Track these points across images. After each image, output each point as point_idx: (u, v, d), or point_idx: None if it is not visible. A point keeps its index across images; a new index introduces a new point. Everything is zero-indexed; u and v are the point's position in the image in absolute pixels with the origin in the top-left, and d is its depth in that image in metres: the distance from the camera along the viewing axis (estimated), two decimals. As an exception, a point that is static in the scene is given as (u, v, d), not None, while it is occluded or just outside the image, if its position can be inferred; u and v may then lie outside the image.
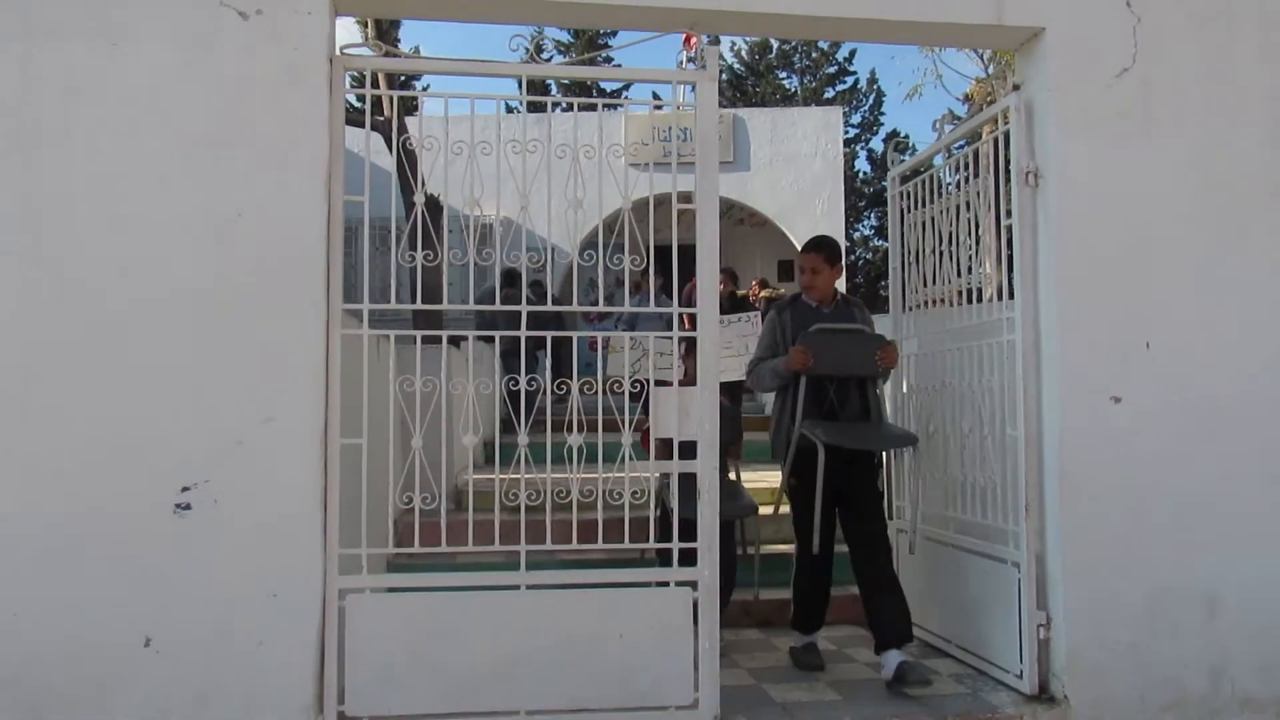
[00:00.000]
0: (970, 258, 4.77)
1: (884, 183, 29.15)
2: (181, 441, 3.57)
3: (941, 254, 5.02)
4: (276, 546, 3.59)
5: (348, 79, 3.86)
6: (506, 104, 5.39)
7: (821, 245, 4.90)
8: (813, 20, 4.15)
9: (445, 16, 4.17)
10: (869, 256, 28.71)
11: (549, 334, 3.88)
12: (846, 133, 26.16)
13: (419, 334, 3.84)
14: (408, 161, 5.62)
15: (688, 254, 3.97)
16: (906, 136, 29.76)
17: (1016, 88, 4.40)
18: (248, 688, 3.57)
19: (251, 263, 3.62)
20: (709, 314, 3.93)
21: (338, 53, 3.82)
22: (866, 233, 29.54)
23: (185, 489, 3.56)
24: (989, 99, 5.68)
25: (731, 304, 8.58)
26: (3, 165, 3.55)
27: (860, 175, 29.23)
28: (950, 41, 5.50)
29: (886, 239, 22.60)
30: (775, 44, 29.83)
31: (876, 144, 30.25)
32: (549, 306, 4.09)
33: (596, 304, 4.52)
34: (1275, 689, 4.25)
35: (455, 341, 4.27)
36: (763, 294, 11.02)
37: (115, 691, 3.51)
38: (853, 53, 29.63)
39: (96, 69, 3.62)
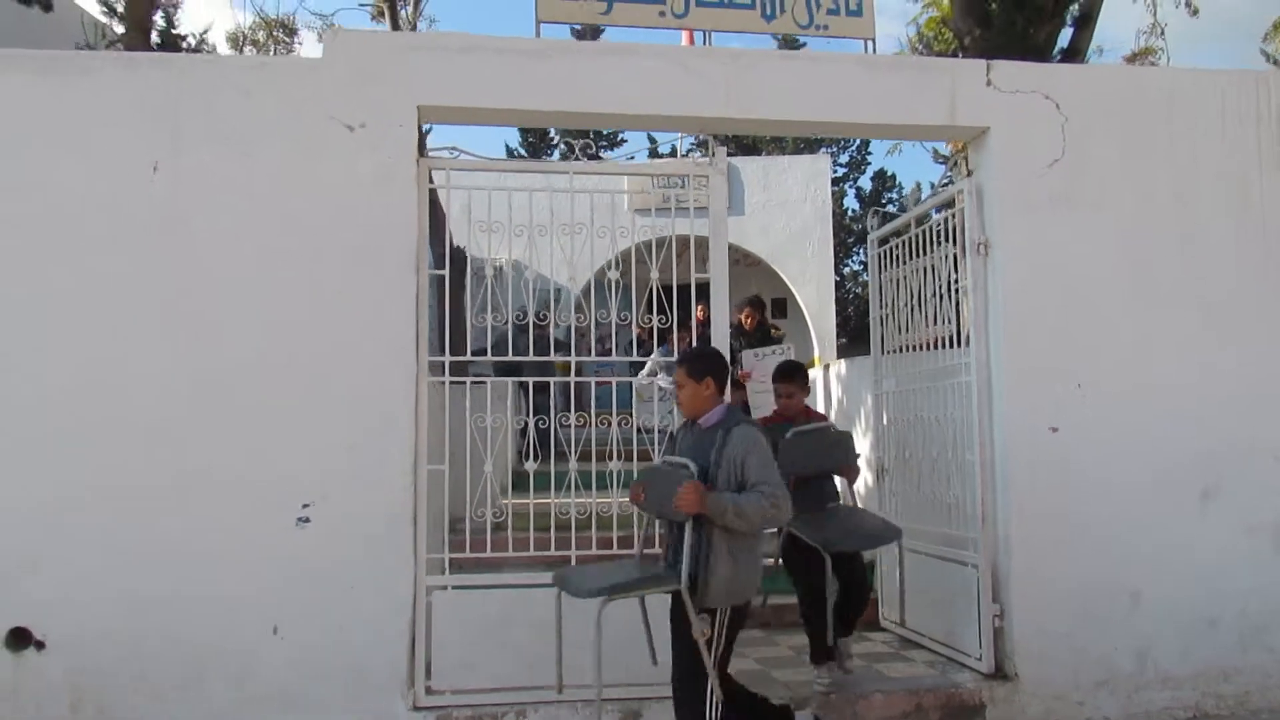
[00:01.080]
0: (935, 311, 5.70)
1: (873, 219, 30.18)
2: (301, 469, 4.46)
3: (913, 307, 5.95)
4: (378, 552, 4.48)
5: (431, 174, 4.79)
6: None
7: (795, 374, 5.36)
8: (800, 124, 5.12)
9: (513, 124, 5.11)
10: (858, 291, 29.67)
11: (592, 379, 4.80)
12: (835, 171, 27.20)
13: (488, 379, 4.75)
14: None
15: (685, 293, 4.90)
16: (893, 175, 30.84)
17: (969, 174, 5.36)
18: (355, 668, 4.44)
19: (358, 326, 4.53)
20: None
21: (423, 154, 4.75)
22: (856, 268, 30.52)
23: (305, 505, 4.46)
24: (961, 153, 6.61)
25: (761, 335, 8.31)
26: (158, 247, 4.47)
27: (849, 213, 30.25)
28: (914, 137, 6.42)
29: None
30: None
31: (865, 182, 31.32)
32: (576, 357, 5.01)
33: (601, 340, 5.33)
34: (1191, 668, 5.14)
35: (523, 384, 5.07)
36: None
37: (250, 670, 4.39)
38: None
39: (230, 173, 4.54)
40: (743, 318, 8.26)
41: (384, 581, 4.47)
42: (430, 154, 4.79)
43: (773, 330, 9.57)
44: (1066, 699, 5.00)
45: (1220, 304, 5.23)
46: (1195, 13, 10.12)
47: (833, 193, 18.87)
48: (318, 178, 4.58)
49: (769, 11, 5.01)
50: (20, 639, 4.32)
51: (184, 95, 4.52)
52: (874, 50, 5.24)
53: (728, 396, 4.11)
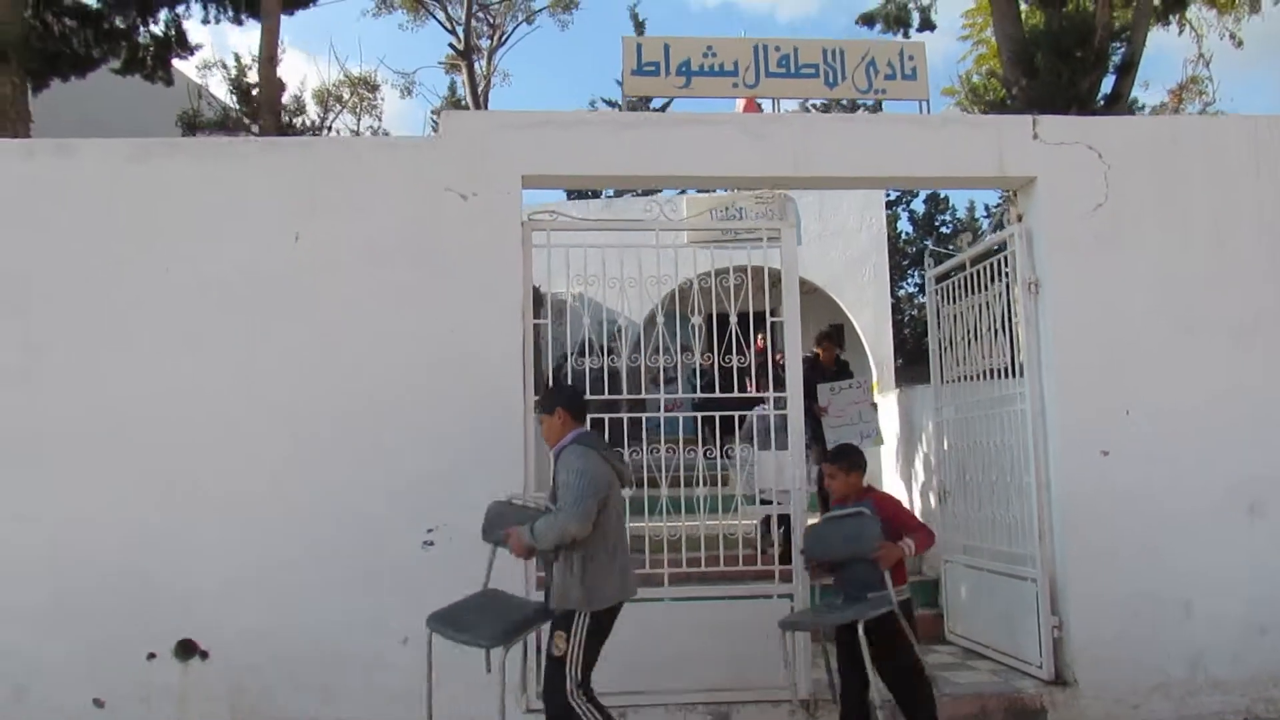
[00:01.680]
0: (991, 344, 6.16)
1: (926, 240, 30.39)
2: (426, 497, 5.06)
3: (969, 340, 6.42)
4: (492, 572, 5.04)
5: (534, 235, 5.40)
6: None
7: (838, 457, 5.07)
8: (861, 179, 5.65)
9: (605, 186, 5.70)
10: (914, 313, 29.94)
11: (680, 413, 5.34)
12: (889, 195, 27.57)
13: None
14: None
15: (743, 322, 5.42)
16: (945, 197, 30.99)
17: (1019, 219, 5.83)
18: (473, 672, 4.97)
19: (473, 366, 5.13)
20: (796, 403, 5.37)
21: (526, 218, 5.36)
22: (911, 290, 30.81)
23: (430, 530, 5.05)
24: (1011, 200, 7.05)
25: (838, 369, 8.23)
26: (300, 304, 5.13)
27: (903, 235, 30.58)
28: (967, 187, 6.93)
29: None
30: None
31: (918, 205, 31.63)
32: (670, 395, 5.55)
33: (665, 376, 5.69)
34: (1241, 673, 5.50)
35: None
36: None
37: (380, 674, 4.98)
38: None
39: (360, 238, 5.19)
40: (819, 352, 8.26)
41: (500, 597, 5.02)
42: (532, 218, 5.39)
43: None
44: (1123, 703, 5.39)
45: (1254, 332, 5.63)
46: (1240, 44, 10.46)
47: (886, 216, 19.19)
48: (436, 241, 5.21)
49: (831, 80, 5.56)
50: (187, 650, 4.96)
51: (319, 172, 5.20)
52: (928, 110, 5.76)
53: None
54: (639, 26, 31.76)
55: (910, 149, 5.56)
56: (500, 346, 5.19)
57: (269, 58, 9.17)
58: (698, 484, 5.47)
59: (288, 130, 10.47)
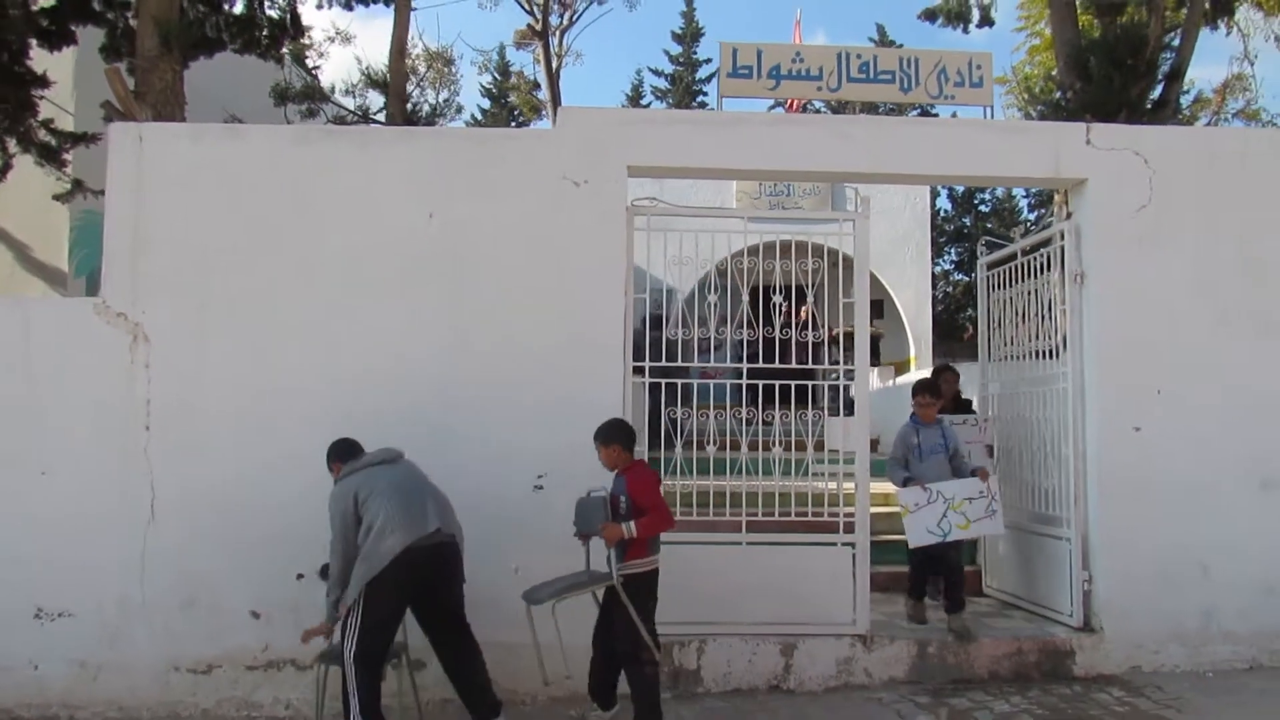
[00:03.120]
0: (1038, 328, 6.81)
1: (964, 219, 30.72)
2: (539, 447, 5.77)
3: (1016, 324, 7.07)
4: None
5: (635, 219, 6.08)
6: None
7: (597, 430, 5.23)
8: (929, 176, 6.29)
9: (701, 178, 6.35)
10: (949, 290, 30.42)
11: (778, 381, 6.04)
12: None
13: (680, 381, 6.04)
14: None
15: (791, 293, 6.12)
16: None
17: (1069, 216, 6.46)
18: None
19: (582, 334, 5.83)
20: (862, 379, 6.06)
21: (630, 204, 6.04)
22: (947, 267, 31.25)
23: (540, 476, 5.79)
24: (1062, 200, 7.65)
25: (955, 404, 7.77)
26: (434, 276, 5.84)
27: (941, 213, 30.99)
28: (1023, 185, 7.49)
29: (964, 273, 24.07)
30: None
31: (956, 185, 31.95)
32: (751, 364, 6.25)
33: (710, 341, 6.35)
34: (1250, 627, 6.20)
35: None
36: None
37: (495, 604, 5.69)
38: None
39: (488, 218, 5.88)
40: (940, 384, 7.59)
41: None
42: (635, 204, 6.07)
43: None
44: (1143, 649, 6.11)
45: (1278, 325, 6.26)
46: (1285, 45, 10.89)
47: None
48: (553, 221, 5.90)
49: (906, 86, 6.19)
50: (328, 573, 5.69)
51: (454, 159, 5.89)
52: (991, 115, 6.38)
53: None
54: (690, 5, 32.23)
55: (975, 151, 6.19)
56: (605, 317, 5.87)
57: (399, 50, 9.87)
58: (775, 445, 6.17)
59: (413, 116, 11.13)
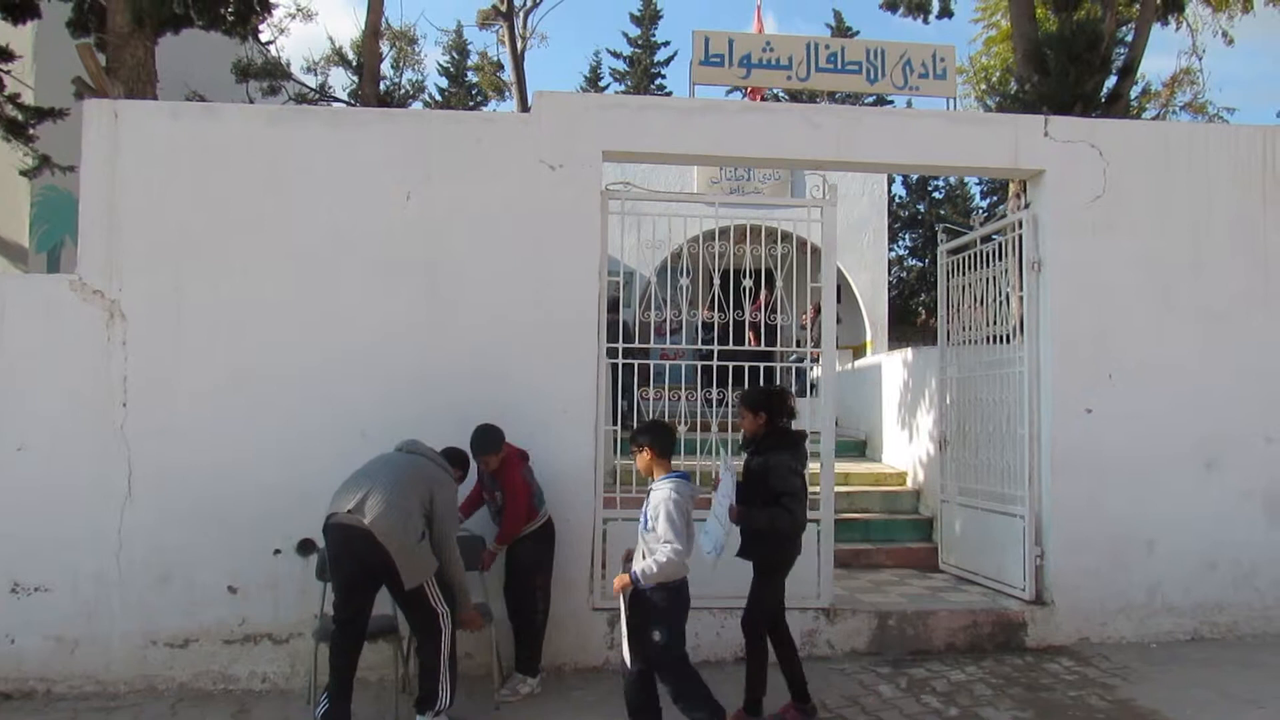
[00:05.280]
0: (995, 313, 7.05)
1: (919, 205, 31.16)
2: (515, 421, 5.85)
3: (975, 309, 7.31)
4: (567, 490, 5.89)
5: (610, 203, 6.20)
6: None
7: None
8: (894, 165, 6.48)
9: (674, 163, 6.49)
10: (903, 275, 30.92)
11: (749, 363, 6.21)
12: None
13: (651, 362, 6.19)
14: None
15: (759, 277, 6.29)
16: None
17: (1027, 205, 6.70)
18: (558, 576, 5.81)
19: (558, 313, 5.94)
20: (828, 362, 6.25)
21: (604, 188, 6.16)
22: (901, 252, 31.74)
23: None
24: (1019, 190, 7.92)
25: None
26: (413, 253, 5.91)
27: (896, 199, 31.43)
28: (984, 174, 7.73)
29: (919, 259, 24.49)
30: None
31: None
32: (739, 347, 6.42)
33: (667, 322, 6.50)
34: (1192, 601, 6.52)
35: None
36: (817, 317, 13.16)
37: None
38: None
39: (466, 198, 5.96)
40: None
41: (579, 513, 5.91)
42: (609, 188, 6.19)
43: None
44: (1092, 621, 6.40)
45: (1224, 314, 6.58)
46: (1231, 42, 11.28)
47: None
48: (530, 204, 5.99)
49: (872, 76, 6.37)
50: (306, 548, 5.76)
51: (432, 141, 5.96)
52: (955, 107, 6.59)
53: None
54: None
55: (938, 141, 6.39)
56: (580, 298, 5.99)
57: (373, 31, 9.85)
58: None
59: (385, 97, 10.95)
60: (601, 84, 33.60)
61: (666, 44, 33.40)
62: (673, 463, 4.62)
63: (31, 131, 9.60)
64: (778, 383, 6.68)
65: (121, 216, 5.76)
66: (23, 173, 10.00)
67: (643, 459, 4.57)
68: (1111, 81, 9.45)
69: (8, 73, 9.50)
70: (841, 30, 31.69)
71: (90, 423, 5.66)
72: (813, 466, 6.19)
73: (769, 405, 5.11)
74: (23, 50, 10.48)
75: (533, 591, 5.56)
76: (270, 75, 12.10)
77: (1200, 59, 11.51)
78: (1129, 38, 9.78)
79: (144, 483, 5.68)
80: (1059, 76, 8.47)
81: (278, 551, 5.76)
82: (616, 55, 33.63)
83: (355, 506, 4.63)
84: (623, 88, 32.92)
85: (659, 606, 4.35)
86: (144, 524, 5.65)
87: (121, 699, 5.49)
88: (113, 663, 5.61)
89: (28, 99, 10.11)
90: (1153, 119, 15.16)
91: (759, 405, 5.11)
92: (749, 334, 6.19)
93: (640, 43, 33.29)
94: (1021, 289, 6.69)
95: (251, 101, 12.14)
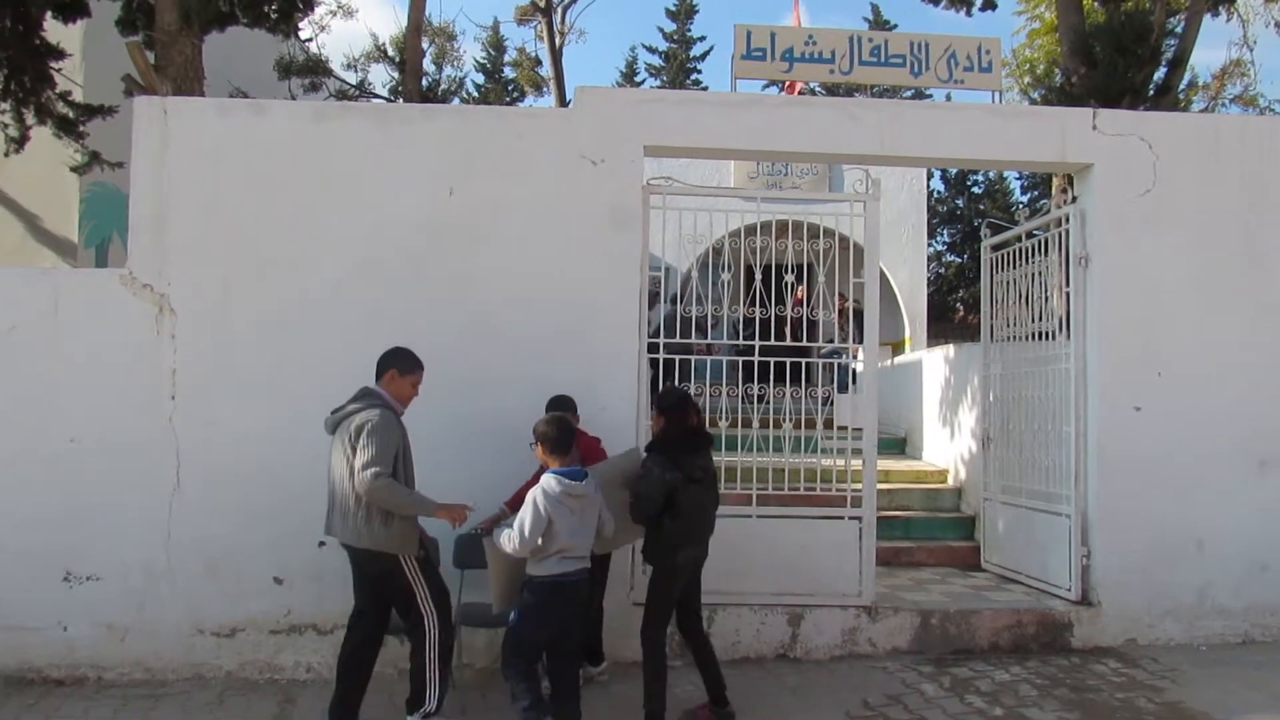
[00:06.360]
0: (1040, 309, 6.96)
1: (958, 200, 30.82)
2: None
3: (1019, 305, 7.21)
4: (611, 485, 5.91)
5: (651, 198, 6.19)
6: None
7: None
8: (938, 159, 6.41)
9: (716, 158, 6.46)
10: (942, 271, 30.60)
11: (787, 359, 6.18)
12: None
13: (693, 357, 6.17)
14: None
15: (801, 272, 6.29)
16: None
17: (1074, 200, 6.60)
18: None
19: (599, 307, 5.93)
20: (870, 358, 6.20)
21: (646, 182, 6.15)
22: (939, 248, 31.41)
23: (557, 449, 5.90)
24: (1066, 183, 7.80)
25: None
26: (448, 251, 5.93)
27: (935, 194, 31.12)
28: (1031, 169, 7.60)
29: (957, 254, 24.21)
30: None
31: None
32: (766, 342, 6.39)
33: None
34: (1243, 603, 6.40)
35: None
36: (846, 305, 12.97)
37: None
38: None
39: (508, 193, 5.98)
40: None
41: (618, 506, 5.91)
42: (651, 183, 6.18)
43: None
44: (1139, 623, 6.30)
45: (1276, 309, 6.43)
46: (1283, 32, 11.01)
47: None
48: (570, 198, 6.00)
49: (916, 70, 6.30)
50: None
51: (475, 137, 5.98)
52: (1000, 100, 6.50)
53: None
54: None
55: (984, 135, 6.31)
56: (622, 292, 5.98)
57: (415, 28, 9.94)
58: (785, 422, 6.31)
59: (428, 94, 11.02)
60: (637, 80, 33.58)
61: (702, 39, 33.29)
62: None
63: (81, 128, 9.76)
64: (818, 378, 6.66)
65: (171, 211, 5.84)
66: (73, 169, 10.18)
67: (538, 451, 4.68)
68: (1161, 74, 9.28)
69: (58, 70, 9.68)
70: (880, 24, 31.40)
71: (140, 415, 5.74)
72: (855, 464, 6.21)
73: (666, 409, 5.03)
74: (73, 48, 10.67)
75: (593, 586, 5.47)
76: (312, 72, 12.24)
77: (1251, 50, 11.26)
78: (1178, 29, 9.62)
79: (192, 474, 5.75)
80: (1107, 69, 8.32)
81: (322, 544, 5.78)
82: (652, 50, 33.59)
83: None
84: (658, 83, 32.86)
85: (524, 597, 4.55)
86: (192, 515, 5.73)
87: (170, 686, 5.57)
88: (161, 651, 5.70)
89: (77, 96, 10.28)
90: (1201, 111, 14.89)
91: (660, 408, 5.08)
92: (804, 329, 6.15)
93: (676, 38, 33.22)
94: (1067, 284, 6.59)
95: (293, 98, 12.26)
